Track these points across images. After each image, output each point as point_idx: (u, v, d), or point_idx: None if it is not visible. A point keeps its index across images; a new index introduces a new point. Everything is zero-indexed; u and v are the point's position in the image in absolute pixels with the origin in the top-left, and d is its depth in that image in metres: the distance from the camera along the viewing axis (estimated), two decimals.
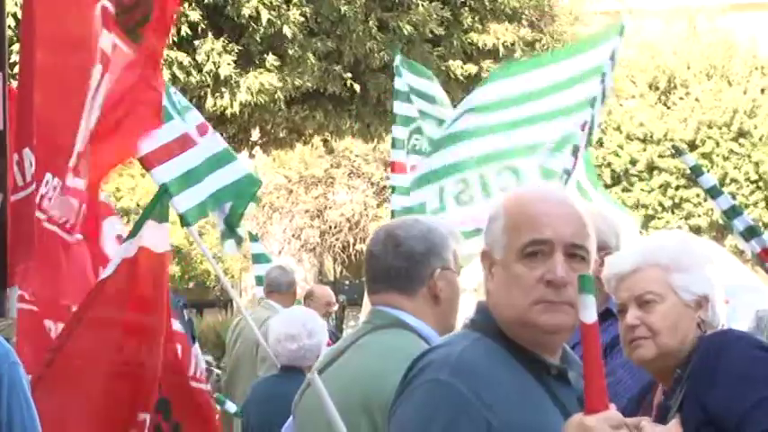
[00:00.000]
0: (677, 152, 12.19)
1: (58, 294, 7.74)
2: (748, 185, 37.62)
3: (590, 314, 3.92)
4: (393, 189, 12.27)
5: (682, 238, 6.45)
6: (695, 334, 5.58)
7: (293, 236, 33.73)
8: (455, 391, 4.28)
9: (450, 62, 23.59)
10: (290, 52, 22.16)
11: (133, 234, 7.37)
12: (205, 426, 8.01)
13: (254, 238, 17.65)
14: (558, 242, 4.35)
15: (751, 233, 10.06)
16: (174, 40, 19.90)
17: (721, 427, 5.33)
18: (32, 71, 7.19)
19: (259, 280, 15.58)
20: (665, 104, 35.56)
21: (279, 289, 14.61)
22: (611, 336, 6.37)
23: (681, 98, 35.58)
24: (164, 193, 7.43)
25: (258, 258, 15.78)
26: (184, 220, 8.23)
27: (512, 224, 4.42)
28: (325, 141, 27.04)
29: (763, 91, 36.10)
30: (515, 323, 4.38)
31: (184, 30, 20.96)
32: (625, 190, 35.06)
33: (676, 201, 38.02)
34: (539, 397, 4.30)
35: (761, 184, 37.08)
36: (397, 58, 12.46)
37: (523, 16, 24.62)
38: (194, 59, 21.40)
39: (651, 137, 34.73)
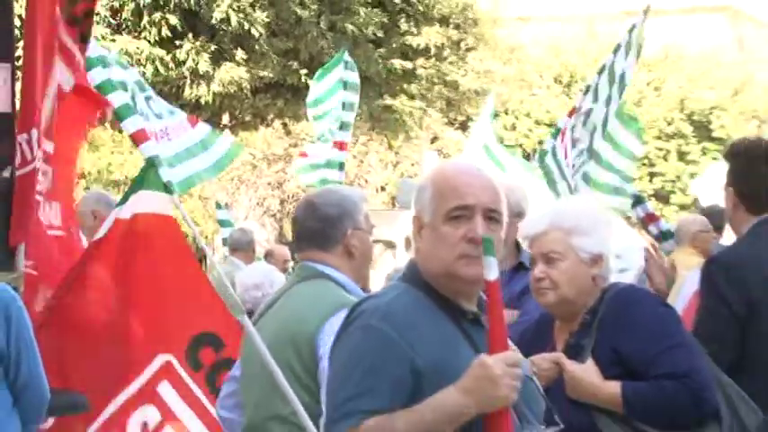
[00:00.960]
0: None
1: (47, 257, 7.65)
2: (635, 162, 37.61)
3: (492, 273, 4.10)
4: (340, 165, 12.27)
5: (583, 205, 6.49)
6: (591, 286, 5.66)
7: (257, 204, 33.67)
8: (383, 334, 4.28)
9: (391, 60, 23.74)
10: (256, 50, 22.40)
11: (124, 200, 7.31)
12: None
13: (219, 206, 17.72)
14: (478, 207, 4.36)
15: (637, 201, 10.09)
16: (156, 40, 20.74)
17: (629, 368, 5.42)
18: (35, 63, 7.12)
19: (224, 241, 15.51)
20: (567, 95, 35.74)
21: (240, 247, 14.78)
22: (524, 284, 6.56)
23: (580, 89, 35.84)
24: (152, 165, 7.34)
25: (223, 223, 15.73)
26: (168, 189, 8.09)
27: (439, 193, 4.42)
28: (284, 125, 27.43)
29: (648, 84, 36.36)
30: (441, 275, 4.37)
31: (165, 32, 21.20)
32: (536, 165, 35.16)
33: None
34: (456, 338, 4.28)
35: (644, 161, 37.38)
36: (345, 55, 12.47)
37: (451, 20, 24.77)
38: (174, 57, 21.48)
39: (556, 122, 35.04)
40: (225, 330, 7.42)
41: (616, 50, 11.03)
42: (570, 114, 10.66)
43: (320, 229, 6.07)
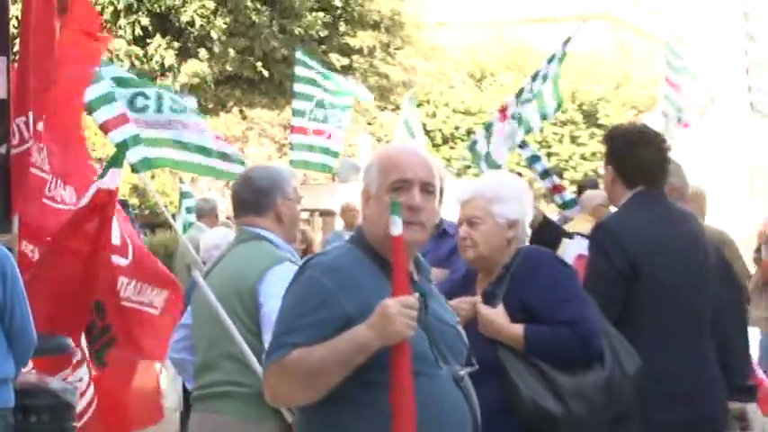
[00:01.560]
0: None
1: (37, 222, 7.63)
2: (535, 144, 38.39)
3: (397, 229, 4.15)
4: (291, 146, 12.18)
5: (503, 179, 6.49)
6: (506, 247, 5.73)
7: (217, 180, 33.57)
8: (320, 283, 4.35)
9: (332, 56, 23.56)
10: (216, 48, 22.37)
11: (102, 176, 7.28)
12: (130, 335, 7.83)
13: (182, 181, 17.53)
14: (416, 180, 4.38)
15: (545, 174, 10.15)
16: (131, 38, 20.87)
17: (532, 315, 5.50)
18: (28, 56, 7.09)
19: (187, 210, 15.35)
20: (479, 88, 35.83)
21: (204, 214, 14.72)
22: (449, 247, 6.80)
23: (490, 84, 36.02)
24: (120, 149, 7.35)
25: (185, 195, 15.58)
26: (134, 169, 8.10)
27: (383, 169, 4.44)
28: (241, 111, 27.35)
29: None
30: (382, 238, 4.33)
31: (137, 31, 21.27)
32: (452, 147, 35.19)
33: None
34: (386, 292, 4.20)
35: (543, 144, 37.71)
36: (299, 53, 12.34)
37: (381, 24, 24.78)
38: (146, 53, 21.45)
39: (469, 110, 35.05)
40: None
41: (550, 60, 11.04)
42: (502, 113, 10.67)
43: (255, 199, 6.19)
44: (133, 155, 7.93)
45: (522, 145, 10.97)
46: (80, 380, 7.20)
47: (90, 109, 7.92)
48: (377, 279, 4.38)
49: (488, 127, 10.64)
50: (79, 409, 7.10)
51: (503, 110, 10.71)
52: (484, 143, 10.53)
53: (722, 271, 6.98)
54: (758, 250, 13.55)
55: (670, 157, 6.76)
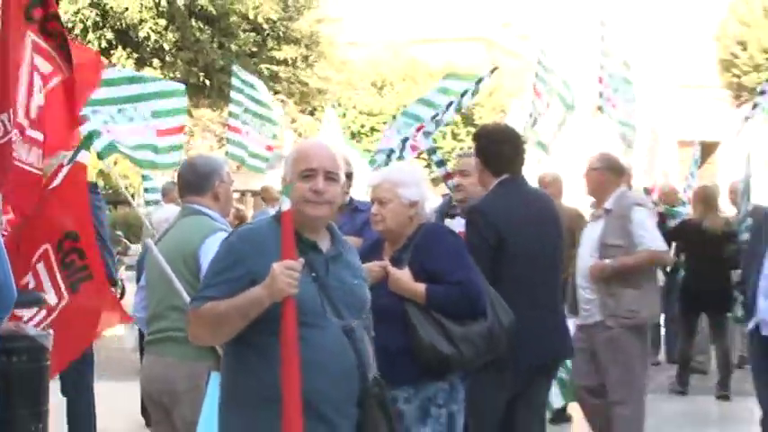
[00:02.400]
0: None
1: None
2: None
3: (285, 206, 4.21)
4: (228, 140, 12.12)
5: (406, 168, 6.62)
6: (409, 222, 5.72)
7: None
8: (237, 247, 4.41)
9: (261, 67, 23.34)
10: (168, 59, 22.20)
11: (72, 159, 7.01)
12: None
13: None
14: (320, 169, 4.36)
15: (440, 163, 10.08)
16: (98, 50, 20.16)
17: (431, 276, 5.54)
18: (7, 56, 6.75)
19: (146, 190, 15.00)
20: (379, 95, 35.86)
21: (167, 194, 14.54)
22: (361, 220, 6.69)
23: (388, 91, 36.11)
24: (88, 137, 7.11)
25: (145, 178, 15.25)
26: (100, 156, 7.93)
27: (296, 160, 4.44)
28: (188, 111, 27.13)
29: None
30: (299, 213, 4.30)
31: (103, 44, 21.10)
32: (358, 141, 35.14)
33: None
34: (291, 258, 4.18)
35: (432, 139, 38.19)
36: (235, 68, 12.35)
37: (302, 41, 24.73)
38: (110, 62, 20.97)
39: (372, 112, 35.07)
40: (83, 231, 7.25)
41: (463, 94, 10.89)
42: (418, 130, 10.58)
43: (197, 181, 6.11)
44: (98, 143, 7.70)
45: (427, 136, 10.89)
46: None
47: None
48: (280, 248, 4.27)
49: (404, 141, 10.51)
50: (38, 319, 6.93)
51: (419, 129, 10.61)
52: (399, 152, 10.41)
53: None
54: None
55: (525, 149, 6.90)
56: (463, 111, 10.52)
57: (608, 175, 8.12)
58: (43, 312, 6.95)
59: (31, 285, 6.96)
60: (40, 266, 6.93)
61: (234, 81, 11.65)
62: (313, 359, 4.15)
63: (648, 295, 8.11)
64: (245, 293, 4.18)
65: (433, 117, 10.56)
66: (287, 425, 4.04)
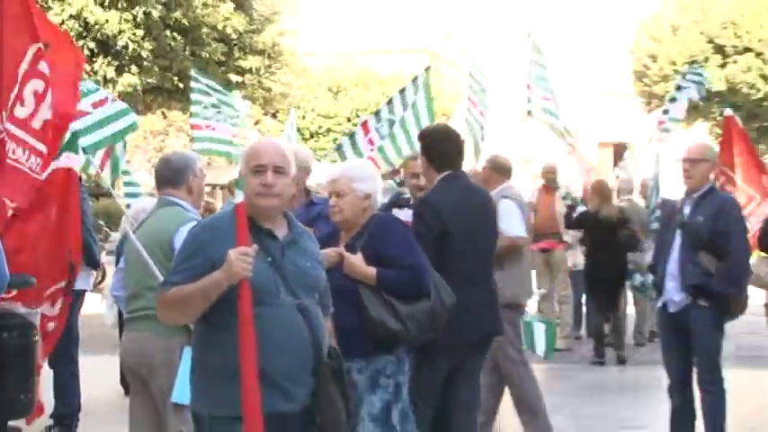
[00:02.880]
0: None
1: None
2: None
3: (239, 198, 4.41)
4: (192, 138, 12.01)
5: (360, 164, 6.84)
6: (362, 213, 5.72)
7: (147, 161, 32.98)
8: (199, 236, 4.47)
9: (229, 75, 23.42)
10: (145, 66, 22.01)
11: (57, 158, 6.85)
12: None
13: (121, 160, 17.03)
14: (269, 165, 4.38)
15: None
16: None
17: (381, 261, 5.56)
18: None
19: (125, 183, 14.66)
20: (335, 99, 35.65)
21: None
22: (315, 212, 6.55)
23: (343, 96, 35.84)
24: (73, 137, 6.92)
25: (125, 172, 14.92)
26: (84, 151, 7.79)
27: (248, 157, 4.48)
28: (163, 113, 27.17)
29: (383, 93, 36.41)
30: (249, 205, 4.37)
31: (86, 52, 20.67)
32: (316, 141, 34.62)
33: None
34: (248, 244, 4.26)
35: None
36: (193, 72, 12.23)
37: (266, 51, 24.85)
38: (93, 69, 20.94)
39: (328, 114, 34.79)
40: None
41: (402, 90, 10.82)
42: (364, 126, 10.52)
43: (172, 175, 6.08)
44: (83, 141, 7.50)
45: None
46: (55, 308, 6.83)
47: None
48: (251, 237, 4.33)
49: (352, 136, 10.47)
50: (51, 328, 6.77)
51: (364, 124, 10.58)
52: (349, 149, 10.36)
53: None
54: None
55: (464, 148, 6.87)
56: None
57: (492, 173, 8.16)
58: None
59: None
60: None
61: (193, 84, 11.55)
62: (269, 334, 4.20)
63: (510, 277, 8.16)
64: (205, 278, 4.21)
65: (375, 113, 10.60)
66: (246, 393, 4.08)
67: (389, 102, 10.66)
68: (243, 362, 4.09)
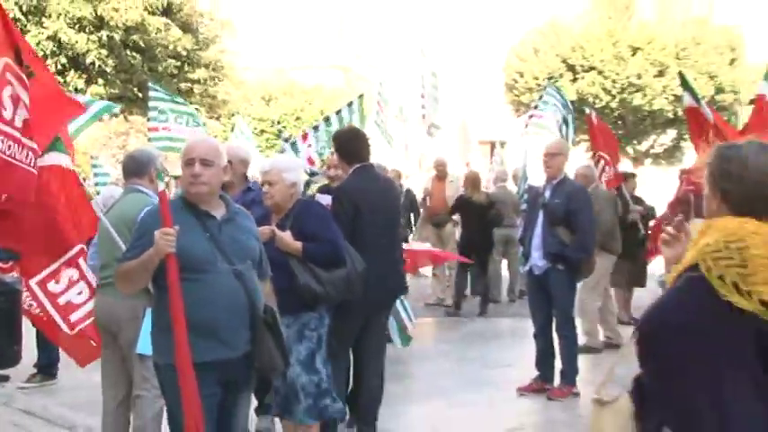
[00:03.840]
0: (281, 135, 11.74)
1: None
2: None
3: (160, 187, 4.52)
4: (150, 138, 11.75)
5: (287, 159, 6.79)
6: (290, 198, 5.69)
7: (112, 156, 32.31)
8: (146, 221, 4.38)
9: (181, 85, 23.06)
10: (109, 79, 21.67)
11: (41, 156, 6.61)
12: None
13: (93, 157, 16.56)
14: (197, 158, 4.30)
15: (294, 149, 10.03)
16: (55, 71, 19.50)
17: (305, 237, 5.54)
18: None
19: (95, 174, 14.26)
20: (268, 106, 35.23)
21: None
22: (251, 197, 6.41)
23: (274, 104, 35.36)
24: (57, 139, 6.65)
25: (95, 165, 14.55)
26: (65, 152, 7.51)
27: (183, 152, 4.41)
28: (125, 117, 26.54)
29: (306, 101, 36.14)
30: (185, 193, 4.37)
31: (59, 67, 20.34)
32: (267, 140, 34.26)
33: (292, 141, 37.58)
34: (189, 224, 4.24)
35: None
36: (150, 83, 11.99)
37: (210, 65, 24.56)
38: (65, 81, 20.50)
39: (262, 119, 34.22)
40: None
41: (338, 112, 10.69)
42: (304, 137, 10.37)
43: (137, 168, 5.93)
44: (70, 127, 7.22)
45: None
46: (79, 293, 6.56)
47: None
48: (186, 217, 4.27)
49: (294, 145, 10.35)
50: (78, 316, 6.42)
51: (304, 135, 10.47)
52: (291, 154, 10.27)
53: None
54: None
55: (370, 145, 6.82)
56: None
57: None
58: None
59: (75, 277, 6.51)
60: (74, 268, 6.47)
61: (151, 94, 11.21)
62: (210, 296, 4.16)
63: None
64: (143, 254, 4.16)
65: (314, 127, 10.55)
66: (177, 341, 4.05)
67: (327, 119, 10.61)
68: (173, 317, 4.07)
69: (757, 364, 2.63)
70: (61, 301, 6.40)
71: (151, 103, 11.08)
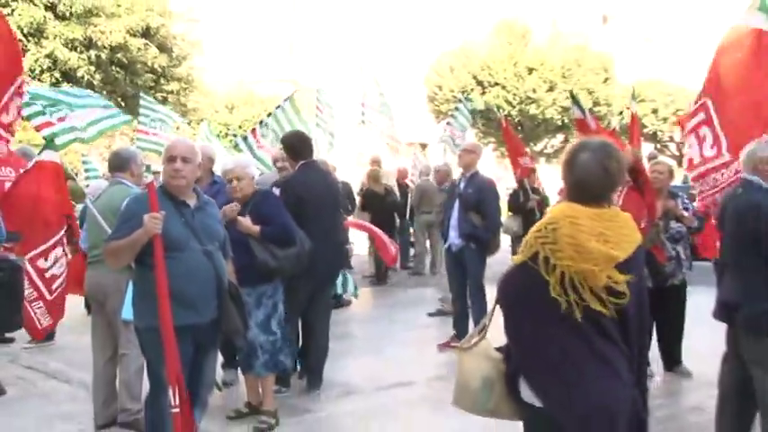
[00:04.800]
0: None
1: None
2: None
3: (148, 180, 4.21)
4: (137, 138, 11.38)
5: (245, 157, 6.93)
6: (252, 190, 5.61)
7: (99, 154, 31.64)
8: (132, 206, 4.27)
9: (157, 95, 22.43)
10: (96, 90, 20.74)
11: (38, 154, 6.42)
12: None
13: (84, 154, 16.15)
14: (178, 155, 4.23)
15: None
16: (49, 86, 18.79)
17: (263, 221, 5.47)
18: None
19: (85, 170, 13.82)
20: (230, 114, 34.59)
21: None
22: (215, 189, 6.22)
23: (236, 112, 34.76)
24: (50, 140, 6.50)
25: (85, 162, 14.20)
26: (55, 147, 7.18)
27: (166, 151, 4.32)
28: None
29: (263, 109, 35.50)
30: (167, 184, 4.26)
31: (53, 81, 19.51)
32: (230, 141, 33.49)
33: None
34: (171, 211, 4.16)
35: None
36: (142, 94, 11.71)
37: (182, 80, 24.07)
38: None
39: (226, 123, 33.53)
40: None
41: (278, 107, 10.56)
42: (253, 132, 10.19)
43: (121, 163, 5.77)
44: (58, 140, 6.99)
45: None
46: (60, 266, 6.30)
47: (28, 119, 6.90)
48: (164, 205, 4.17)
49: (245, 138, 10.19)
50: (57, 284, 6.30)
51: (253, 130, 10.32)
52: (243, 144, 10.11)
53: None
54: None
55: (312, 145, 6.74)
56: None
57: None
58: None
59: (60, 254, 6.33)
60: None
61: (142, 102, 11.00)
62: (185, 271, 4.11)
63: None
64: (132, 234, 4.07)
65: (261, 122, 10.43)
66: (161, 308, 3.98)
67: (269, 114, 10.53)
68: (158, 289, 4.01)
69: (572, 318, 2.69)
70: (47, 274, 6.27)
71: (142, 111, 10.81)
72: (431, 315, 9.81)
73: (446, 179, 11.37)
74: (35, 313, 6.27)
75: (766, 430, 4.53)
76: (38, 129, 6.79)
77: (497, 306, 2.86)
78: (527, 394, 2.78)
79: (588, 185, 2.81)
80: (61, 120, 6.82)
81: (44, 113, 6.83)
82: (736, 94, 5.33)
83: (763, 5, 5.29)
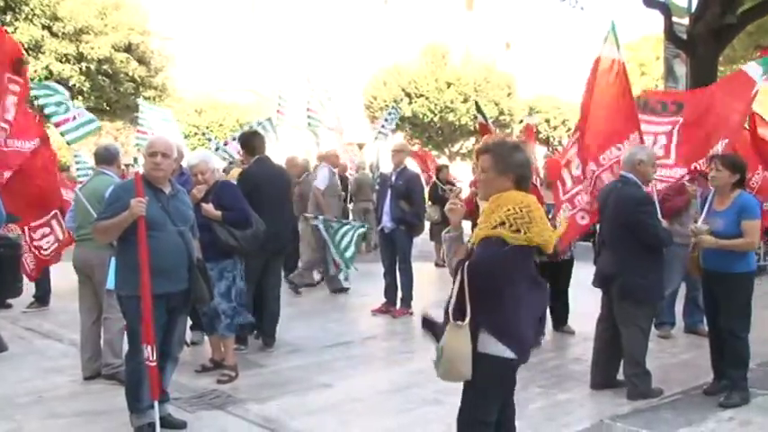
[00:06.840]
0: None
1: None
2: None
3: (138, 170, 3.98)
4: (136, 137, 10.82)
5: (207, 153, 6.38)
6: (214, 180, 5.47)
7: (89, 150, 30.53)
8: (118, 191, 4.16)
9: (138, 100, 21.52)
10: (85, 95, 20.35)
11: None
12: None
13: (75, 150, 15.38)
14: (159, 151, 4.12)
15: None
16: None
17: (223, 207, 5.34)
18: None
19: (77, 163, 13.31)
20: (199, 116, 33.60)
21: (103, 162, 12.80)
22: (182, 181, 5.88)
23: (205, 115, 33.84)
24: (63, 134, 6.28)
25: (76, 156, 13.71)
26: (69, 143, 6.80)
27: (148, 146, 4.20)
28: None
29: (229, 114, 34.79)
30: (148, 174, 4.15)
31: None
32: (187, 139, 32.89)
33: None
34: (151, 197, 4.06)
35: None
36: (140, 99, 11.16)
37: (159, 88, 23.18)
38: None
39: (197, 125, 32.70)
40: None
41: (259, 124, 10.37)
42: (225, 143, 9.94)
43: (107, 156, 5.59)
44: (67, 137, 6.63)
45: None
46: (47, 242, 6.26)
47: (48, 117, 6.51)
48: (146, 192, 4.09)
49: (225, 144, 9.95)
50: (43, 254, 6.32)
51: (225, 143, 10.11)
52: (222, 151, 9.88)
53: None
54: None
55: (265, 141, 6.61)
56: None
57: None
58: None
59: (47, 232, 6.22)
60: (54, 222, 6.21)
61: (141, 108, 10.28)
62: (162, 248, 4.04)
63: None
64: (119, 215, 3.99)
65: (234, 138, 10.21)
66: (143, 278, 3.93)
67: (242, 128, 10.29)
68: (141, 262, 3.94)
69: (533, 273, 2.95)
70: (34, 245, 6.25)
71: (141, 116, 10.35)
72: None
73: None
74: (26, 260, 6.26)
75: (627, 373, 4.93)
76: (56, 125, 6.53)
77: (463, 283, 2.84)
78: (484, 345, 2.86)
79: (528, 177, 2.98)
80: (70, 119, 6.60)
81: (58, 112, 6.58)
82: (598, 117, 5.47)
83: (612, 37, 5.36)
